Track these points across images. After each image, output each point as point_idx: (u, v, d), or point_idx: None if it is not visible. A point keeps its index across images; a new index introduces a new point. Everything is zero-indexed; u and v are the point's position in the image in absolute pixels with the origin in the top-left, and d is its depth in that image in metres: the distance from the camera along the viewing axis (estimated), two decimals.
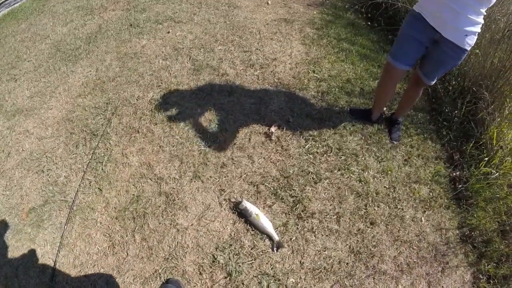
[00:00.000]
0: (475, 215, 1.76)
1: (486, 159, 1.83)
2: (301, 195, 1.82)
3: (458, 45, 1.39)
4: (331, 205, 1.79)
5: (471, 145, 1.91)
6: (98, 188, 1.98)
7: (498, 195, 1.76)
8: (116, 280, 1.64)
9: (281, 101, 2.26)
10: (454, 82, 2.18)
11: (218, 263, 1.65)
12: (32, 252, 1.78)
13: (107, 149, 2.17)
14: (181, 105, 2.32)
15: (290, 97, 2.32)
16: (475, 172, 1.84)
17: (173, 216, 1.81)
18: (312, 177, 1.88)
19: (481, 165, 1.82)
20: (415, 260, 1.66)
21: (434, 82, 1.67)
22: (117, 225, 1.82)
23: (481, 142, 1.91)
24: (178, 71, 2.64)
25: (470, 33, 1.34)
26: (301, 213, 1.76)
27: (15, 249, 1.80)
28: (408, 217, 1.76)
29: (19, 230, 1.87)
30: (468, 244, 1.71)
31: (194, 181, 1.94)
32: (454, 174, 1.91)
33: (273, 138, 2.07)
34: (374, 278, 1.61)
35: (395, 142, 1.99)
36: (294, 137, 2.06)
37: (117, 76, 2.68)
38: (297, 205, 1.79)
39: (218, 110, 2.25)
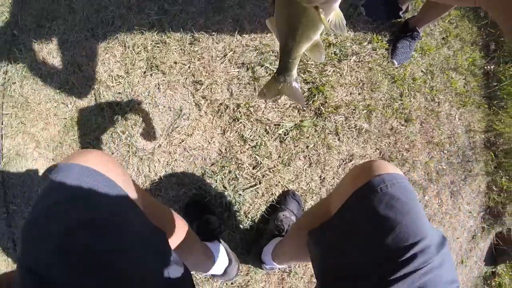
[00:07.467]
0: (502, 121, 1.47)
1: None
2: (320, 80, 1.18)
3: None
4: (359, 94, 1.23)
5: None
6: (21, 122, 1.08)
7: None
8: None
9: None
10: None
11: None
12: None
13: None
14: None
15: None
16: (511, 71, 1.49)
17: (131, 140, 1.04)
18: (335, 52, 1.23)
19: None
20: (444, 167, 1.34)
21: None
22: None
23: None
24: None
25: None
26: (321, 107, 1.16)
27: None
28: (443, 114, 1.36)
29: None
30: (490, 152, 1.47)
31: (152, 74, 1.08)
32: (488, 67, 1.53)
33: None
34: None
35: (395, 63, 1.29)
36: None
37: None
38: (315, 96, 1.16)
39: None
